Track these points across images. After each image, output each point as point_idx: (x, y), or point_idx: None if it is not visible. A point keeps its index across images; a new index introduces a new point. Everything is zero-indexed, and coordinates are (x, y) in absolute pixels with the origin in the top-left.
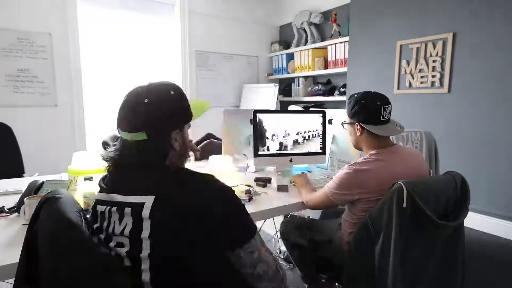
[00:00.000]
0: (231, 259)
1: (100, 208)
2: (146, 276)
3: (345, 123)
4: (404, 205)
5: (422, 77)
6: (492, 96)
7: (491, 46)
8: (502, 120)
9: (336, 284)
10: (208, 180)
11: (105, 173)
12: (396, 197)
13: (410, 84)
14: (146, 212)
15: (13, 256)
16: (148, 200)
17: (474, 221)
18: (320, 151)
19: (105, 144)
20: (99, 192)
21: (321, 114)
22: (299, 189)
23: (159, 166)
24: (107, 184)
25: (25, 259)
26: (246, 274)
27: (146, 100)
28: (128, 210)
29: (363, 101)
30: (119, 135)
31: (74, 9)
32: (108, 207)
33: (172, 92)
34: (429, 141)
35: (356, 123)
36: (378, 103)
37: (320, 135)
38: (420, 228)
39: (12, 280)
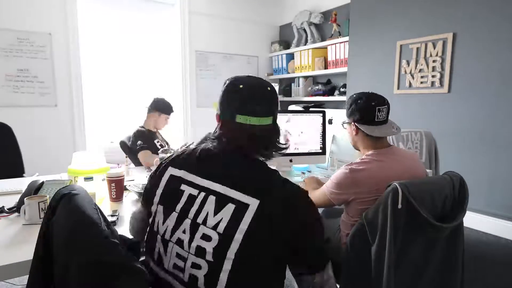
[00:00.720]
0: (303, 278)
1: (190, 190)
2: (224, 276)
3: (344, 123)
4: (399, 206)
5: (422, 77)
6: (492, 96)
7: (491, 46)
8: (502, 120)
9: (337, 285)
10: (310, 204)
11: (191, 149)
12: (391, 198)
13: (410, 84)
14: (248, 215)
15: (14, 256)
16: (253, 203)
17: (474, 221)
18: (320, 151)
19: (123, 144)
20: (181, 169)
21: (321, 114)
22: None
23: (262, 161)
24: (202, 166)
25: (40, 255)
26: None
27: (269, 88)
28: (231, 206)
29: (358, 101)
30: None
31: (74, 9)
32: (204, 193)
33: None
34: (429, 141)
35: (352, 123)
36: (373, 103)
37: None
38: (417, 230)
39: (12, 280)
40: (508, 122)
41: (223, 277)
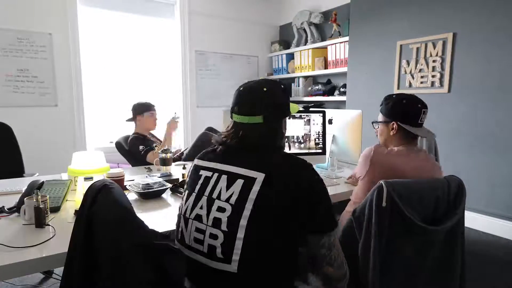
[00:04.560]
0: (309, 240)
1: (206, 173)
2: (239, 243)
3: (377, 122)
4: (384, 204)
5: (422, 77)
6: (492, 96)
7: (491, 46)
8: (502, 119)
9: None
10: (309, 168)
11: (212, 148)
12: (376, 196)
13: (410, 84)
14: (256, 187)
15: (14, 256)
16: (259, 176)
17: (474, 221)
18: (320, 151)
19: (118, 145)
20: (203, 160)
21: (321, 114)
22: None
23: (269, 148)
24: (216, 155)
25: (82, 243)
26: (320, 255)
27: (265, 89)
28: (240, 181)
29: (404, 101)
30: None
31: (74, 9)
32: (217, 174)
33: (282, 86)
34: (429, 141)
35: (393, 122)
36: (419, 105)
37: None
38: (403, 230)
39: (12, 280)
40: (508, 122)
41: (238, 244)
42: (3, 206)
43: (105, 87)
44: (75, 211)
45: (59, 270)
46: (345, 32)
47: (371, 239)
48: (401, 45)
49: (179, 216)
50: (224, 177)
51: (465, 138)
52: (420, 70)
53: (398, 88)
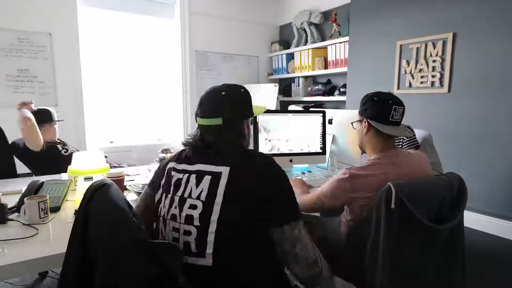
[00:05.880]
0: (274, 234)
1: (177, 175)
2: (211, 237)
3: (354, 122)
4: (392, 206)
5: (422, 77)
6: (492, 96)
7: (491, 46)
8: (502, 120)
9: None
10: (271, 160)
11: (182, 149)
12: (384, 198)
13: (410, 84)
14: (223, 180)
15: (14, 256)
16: (224, 170)
17: (474, 221)
18: (320, 151)
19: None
20: (176, 162)
21: (321, 114)
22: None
23: (231, 146)
24: (186, 156)
25: (80, 239)
26: (284, 251)
27: (223, 93)
28: (207, 177)
29: (374, 98)
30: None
31: (74, 9)
32: (187, 175)
33: (242, 90)
34: (424, 143)
35: (364, 120)
36: (390, 101)
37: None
38: (411, 230)
39: (12, 280)
40: (508, 122)
41: (211, 237)
42: None
43: (105, 87)
44: (75, 211)
45: (58, 270)
46: (345, 32)
47: (379, 239)
48: (401, 45)
49: (159, 219)
50: (193, 176)
51: (464, 138)
52: (420, 70)
53: (398, 88)
